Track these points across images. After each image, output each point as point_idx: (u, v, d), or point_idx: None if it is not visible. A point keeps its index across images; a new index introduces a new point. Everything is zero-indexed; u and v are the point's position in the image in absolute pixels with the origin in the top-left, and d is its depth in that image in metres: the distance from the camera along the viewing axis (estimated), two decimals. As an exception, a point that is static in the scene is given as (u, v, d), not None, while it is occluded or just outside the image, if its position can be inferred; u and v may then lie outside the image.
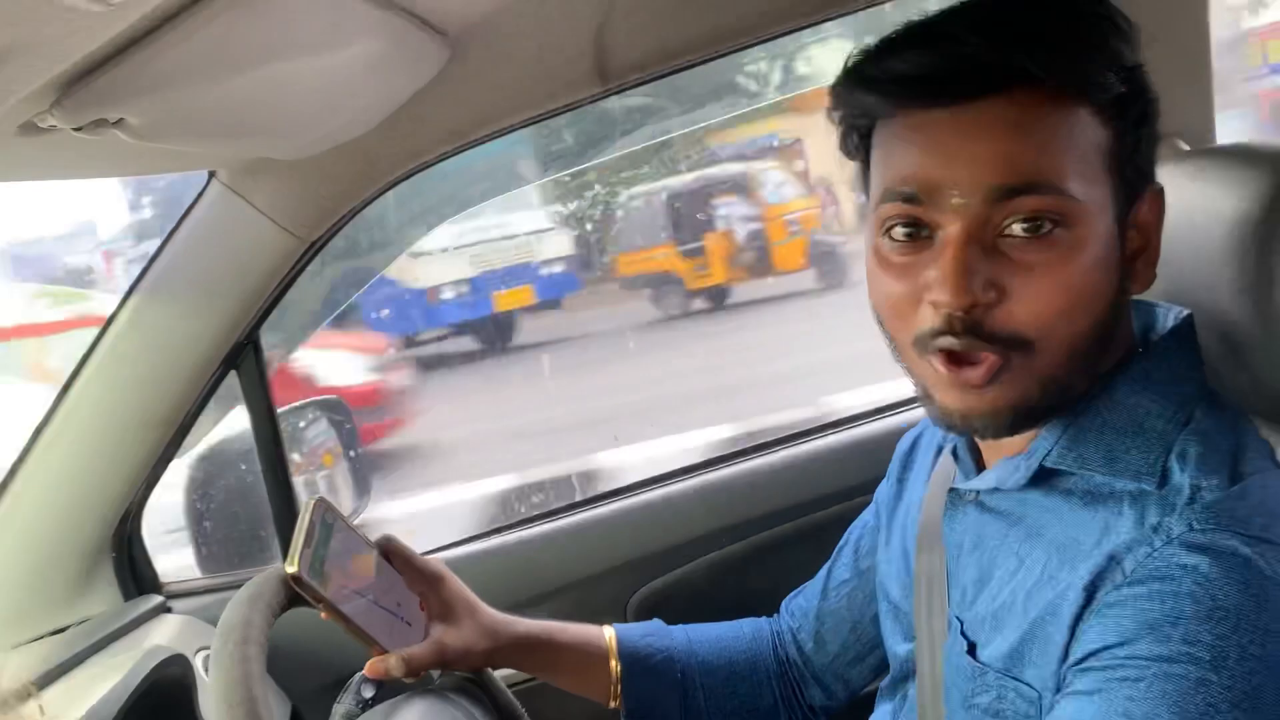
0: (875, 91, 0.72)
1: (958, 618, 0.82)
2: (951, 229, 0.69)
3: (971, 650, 0.78)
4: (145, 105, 0.74)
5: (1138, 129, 0.72)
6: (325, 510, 0.90)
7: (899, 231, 0.73)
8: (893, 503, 1.02)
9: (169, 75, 0.71)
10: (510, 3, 1.00)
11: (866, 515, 1.08)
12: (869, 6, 1.16)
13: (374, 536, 0.99)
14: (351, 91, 0.97)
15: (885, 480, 1.05)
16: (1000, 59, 0.67)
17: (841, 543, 1.10)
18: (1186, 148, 1.17)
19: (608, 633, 1.07)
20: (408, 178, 1.20)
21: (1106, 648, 0.66)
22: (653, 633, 1.10)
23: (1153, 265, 0.75)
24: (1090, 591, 0.68)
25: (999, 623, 0.76)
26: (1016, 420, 0.72)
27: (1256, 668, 0.61)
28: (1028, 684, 0.73)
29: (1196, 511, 0.66)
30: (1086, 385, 0.74)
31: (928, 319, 0.71)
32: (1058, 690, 0.70)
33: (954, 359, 0.70)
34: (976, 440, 0.84)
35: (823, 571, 1.11)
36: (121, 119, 0.74)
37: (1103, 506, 0.72)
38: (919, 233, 0.72)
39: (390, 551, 0.99)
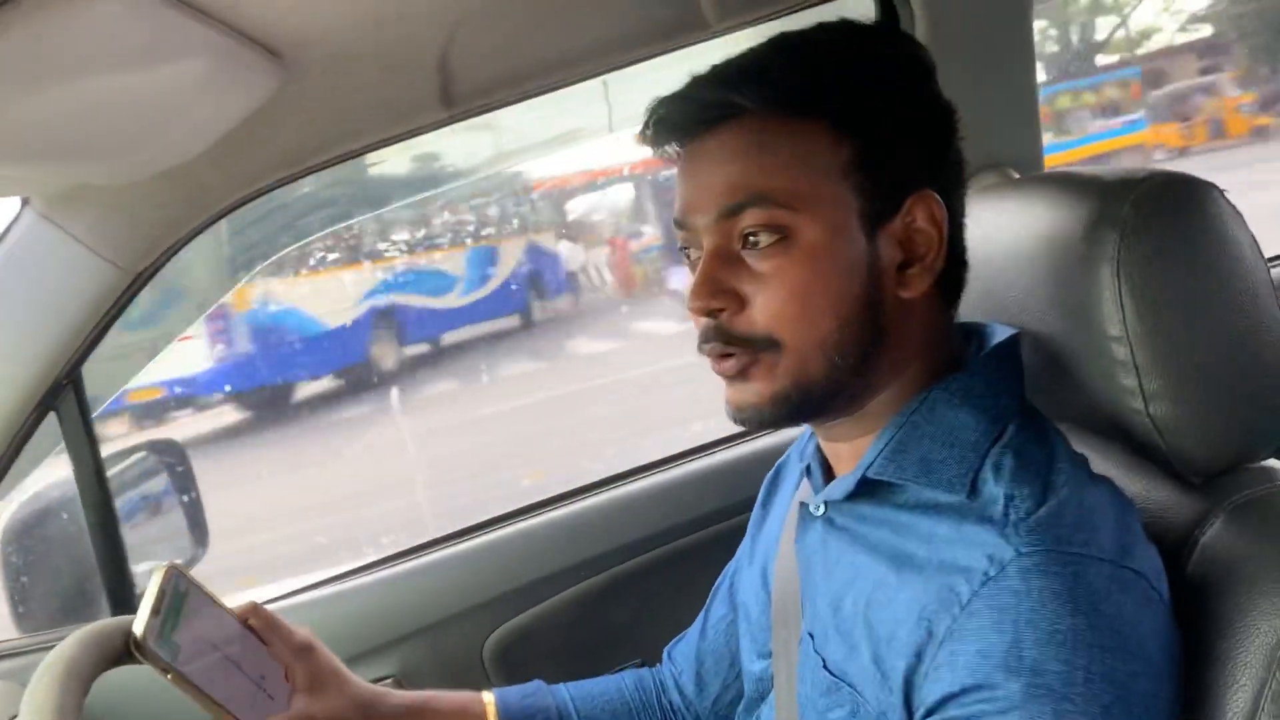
0: (646, 138, 0.81)
1: (809, 633, 0.82)
2: (704, 247, 0.77)
3: (825, 664, 0.79)
4: (-65, 121, 0.68)
5: (888, 141, 0.76)
6: (178, 577, 0.86)
7: (688, 255, 0.81)
8: (758, 526, 1.03)
9: (-39, 87, 0.65)
10: (348, 24, 0.96)
11: (742, 548, 1.08)
12: (709, 39, 1.17)
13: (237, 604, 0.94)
14: (176, 113, 0.91)
15: (755, 506, 1.05)
16: (717, 96, 0.76)
17: (719, 581, 1.10)
18: (1017, 175, 1.22)
19: (486, 697, 1.05)
20: (242, 205, 1.14)
21: (964, 690, 0.66)
22: (532, 693, 1.07)
23: (930, 271, 0.78)
24: (928, 624, 0.69)
25: (844, 636, 0.78)
26: (779, 412, 0.77)
27: (1104, 687, 0.64)
28: (872, 701, 0.74)
29: (1022, 535, 0.68)
30: (859, 383, 0.77)
31: (700, 327, 0.79)
32: (906, 714, 0.70)
33: (719, 358, 0.78)
34: (826, 457, 0.87)
35: (702, 612, 1.10)
36: (-92, 136, 0.67)
37: (925, 518, 0.74)
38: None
39: (255, 620, 0.94)
